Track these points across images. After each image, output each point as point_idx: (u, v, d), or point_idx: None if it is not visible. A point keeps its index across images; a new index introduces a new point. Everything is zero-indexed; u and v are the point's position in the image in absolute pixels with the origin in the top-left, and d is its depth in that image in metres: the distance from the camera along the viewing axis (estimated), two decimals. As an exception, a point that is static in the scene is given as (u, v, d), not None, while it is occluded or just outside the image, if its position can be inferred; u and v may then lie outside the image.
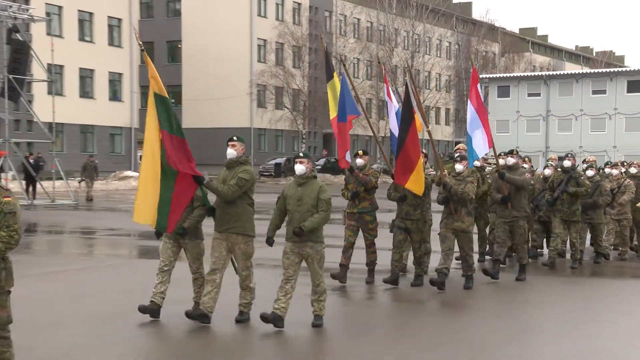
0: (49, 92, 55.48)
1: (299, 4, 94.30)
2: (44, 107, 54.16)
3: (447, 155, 25.45)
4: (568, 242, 21.07)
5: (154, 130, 12.28)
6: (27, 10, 45.38)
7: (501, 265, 18.11)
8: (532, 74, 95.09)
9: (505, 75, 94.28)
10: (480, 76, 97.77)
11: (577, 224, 19.42)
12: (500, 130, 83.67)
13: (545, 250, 21.28)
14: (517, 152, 17.93)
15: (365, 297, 16.58)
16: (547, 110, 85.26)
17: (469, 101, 18.99)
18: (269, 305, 12.41)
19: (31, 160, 44.07)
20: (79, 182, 46.43)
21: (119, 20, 77.12)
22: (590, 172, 20.39)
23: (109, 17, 76.02)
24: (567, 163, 19.45)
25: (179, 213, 12.30)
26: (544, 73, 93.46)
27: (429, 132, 17.45)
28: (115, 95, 77.84)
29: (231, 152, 12.25)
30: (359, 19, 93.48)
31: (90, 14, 74.65)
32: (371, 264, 16.85)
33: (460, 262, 16.87)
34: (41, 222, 36.01)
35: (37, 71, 48.22)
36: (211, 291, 12.22)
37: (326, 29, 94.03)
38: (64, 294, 16.85)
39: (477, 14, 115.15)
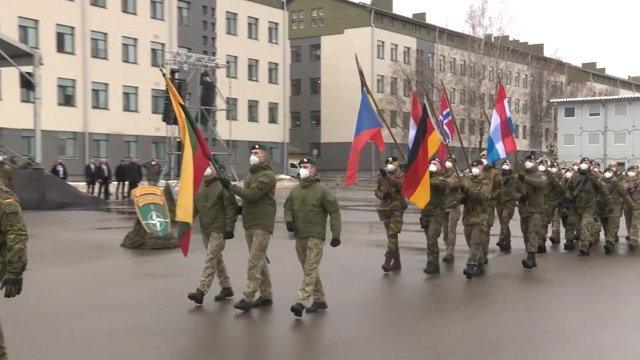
0: (227, 118, 57.45)
1: (409, 48, 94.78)
2: (224, 129, 56.09)
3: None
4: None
5: (187, 137, 11.15)
6: (214, 60, 46.88)
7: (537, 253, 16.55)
8: (593, 98, 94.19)
9: (570, 99, 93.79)
10: (551, 100, 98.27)
11: (589, 217, 17.91)
12: (567, 142, 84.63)
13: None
14: (534, 157, 17.06)
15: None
16: (605, 127, 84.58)
17: (494, 111, 17.77)
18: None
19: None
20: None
21: (276, 64, 78.77)
22: (608, 174, 19.55)
23: (269, 62, 77.69)
24: (584, 166, 18.21)
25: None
26: (602, 98, 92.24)
27: (446, 145, 16.23)
28: (272, 119, 79.33)
29: (254, 159, 11.24)
30: (454, 58, 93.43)
31: (257, 60, 76.42)
32: (390, 252, 15.34)
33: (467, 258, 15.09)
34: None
35: (219, 103, 49.58)
36: (264, 281, 11.49)
37: (429, 67, 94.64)
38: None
39: (548, 52, 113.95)
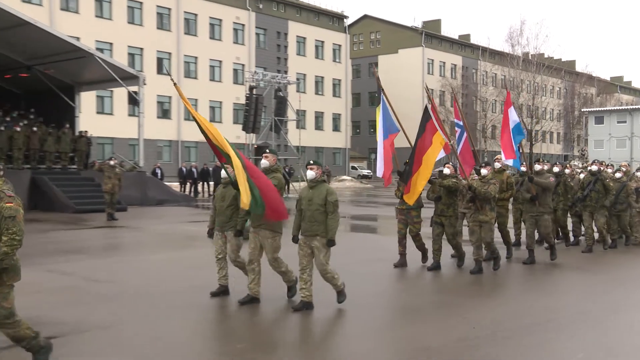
0: (297, 127, 58.09)
1: (455, 65, 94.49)
2: (294, 136, 56.53)
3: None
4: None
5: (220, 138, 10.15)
6: (286, 77, 47.13)
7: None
8: (620, 107, 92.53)
9: (600, 109, 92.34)
10: (582, 110, 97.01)
11: (602, 217, 16.96)
12: (597, 147, 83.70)
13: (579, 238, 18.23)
14: (542, 160, 15.78)
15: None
16: (632, 133, 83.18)
17: (504, 121, 16.58)
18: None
19: (287, 169, 45.52)
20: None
21: (339, 80, 79.18)
22: (618, 175, 18.13)
23: (333, 79, 78.12)
24: (594, 168, 17.27)
25: (272, 199, 9.99)
26: (629, 107, 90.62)
27: (451, 146, 14.66)
28: (336, 128, 79.65)
29: (264, 162, 10.70)
30: (495, 74, 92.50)
31: (322, 77, 76.93)
32: (421, 248, 14.37)
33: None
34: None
35: (290, 114, 50.01)
36: (254, 279, 10.52)
37: (473, 81, 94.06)
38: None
39: (579, 67, 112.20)
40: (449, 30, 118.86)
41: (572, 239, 18.27)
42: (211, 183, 41.55)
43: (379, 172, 14.83)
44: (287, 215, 10.17)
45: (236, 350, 8.29)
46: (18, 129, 30.29)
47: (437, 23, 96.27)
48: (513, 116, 16.18)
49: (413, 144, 13.39)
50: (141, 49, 60.41)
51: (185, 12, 63.95)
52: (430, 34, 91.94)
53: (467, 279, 13.31)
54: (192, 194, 40.66)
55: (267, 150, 11.05)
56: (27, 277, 12.67)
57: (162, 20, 62.68)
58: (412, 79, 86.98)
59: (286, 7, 73.68)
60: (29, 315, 9.32)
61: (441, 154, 13.40)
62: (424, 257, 14.50)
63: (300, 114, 61.36)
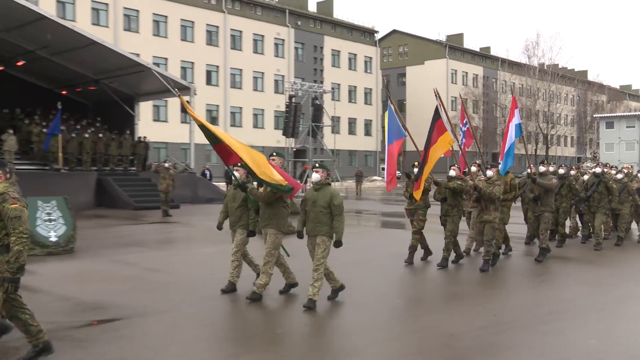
0: (332, 132, 58.23)
1: (477, 75, 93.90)
2: (329, 140, 56.82)
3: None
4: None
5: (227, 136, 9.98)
6: (322, 87, 47.24)
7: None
8: (629, 114, 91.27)
9: (610, 115, 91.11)
10: (594, 115, 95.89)
11: (602, 215, 16.19)
12: (608, 150, 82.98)
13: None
14: (547, 162, 15.19)
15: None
16: (639, 136, 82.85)
17: (510, 122, 15.62)
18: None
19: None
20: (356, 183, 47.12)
21: (370, 89, 79.22)
22: (619, 176, 17.39)
23: (365, 88, 78.16)
24: (597, 170, 16.79)
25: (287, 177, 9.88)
26: (637, 113, 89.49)
27: (460, 146, 14.38)
28: (368, 132, 79.70)
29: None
30: (514, 82, 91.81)
31: (355, 87, 77.06)
32: (412, 247, 13.65)
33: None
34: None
35: (326, 120, 50.22)
36: (284, 271, 10.51)
37: (493, 90, 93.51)
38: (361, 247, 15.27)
39: (591, 76, 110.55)
40: (471, 42, 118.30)
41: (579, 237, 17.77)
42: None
43: (385, 177, 14.22)
44: (300, 185, 10.32)
45: (276, 335, 8.47)
46: (86, 135, 30.92)
47: (459, 37, 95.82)
48: (517, 118, 15.50)
49: (424, 146, 12.77)
50: (192, 63, 61.09)
51: (231, 29, 64.49)
52: (453, 47, 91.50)
53: (481, 272, 12.83)
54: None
55: (274, 153, 10.61)
56: (96, 267, 13.11)
57: (211, 37, 63.26)
58: (437, 88, 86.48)
59: (322, 24, 73.93)
60: (99, 300, 9.96)
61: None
62: (410, 256, 13.64)
63: (335, 120, 61.48)
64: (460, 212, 13.51)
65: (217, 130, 9.97)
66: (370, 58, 79.73)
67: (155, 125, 54.62)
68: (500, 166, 14.33)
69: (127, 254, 15.24)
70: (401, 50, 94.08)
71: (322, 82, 61.87)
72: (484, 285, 11.84)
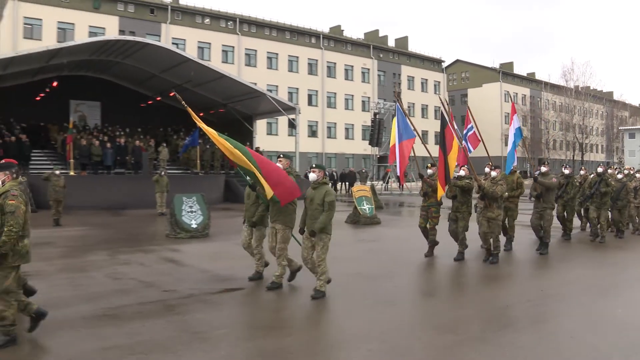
0: (421, 142, 57.49)
1: (525, 95, 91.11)
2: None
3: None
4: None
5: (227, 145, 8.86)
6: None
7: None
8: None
9: (632, 127, 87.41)
10: (619, 127, 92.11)
11: (604, 211, 14.72)
12: (630, 156, 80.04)
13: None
14: (547, 162, 13.50)
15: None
16: (660, 144, 78.87)
17: (510, 126, 14.67)
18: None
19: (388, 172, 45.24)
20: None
21: (439, 107, 77.85)
22: (619, 176, 16.01)
23: (434, 106, 76.92)
24: (599, 170, 15.25)
25: (282, 185, 8.70)
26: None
27: (465, 150, 12.77)
28: (437, 142, 78.32)
29: (279, 166, 9.17)
30: (555, 101, 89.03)
31: (427, 105, 76.08)
32: (431, 242, 12.26)
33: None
34: (397, 200, 35.40)
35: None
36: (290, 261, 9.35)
37: (538, 107, 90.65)
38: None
39: (616, 96, 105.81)
40: (520, 69, 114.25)
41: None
42: (346, 183, 42.10)
43: (398, 172, 12.71)
44: (299, 192, 8.91)
45: (365, 305, 8.38)
46: (217, 146, 31.72)
47: (510, 64, 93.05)
48: (516, 122, 14.52)
49: (439, 149, 11.55)
50: (297, 88, 61.62)
51: (327, 61, 64.72)
52: (505, 72, 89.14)
53: (515, 257, 12.21)
54: (333, 191, 40.92)
55: (281, 155, 9.55)
56: (226, 248, 13.32)
57: (311, 68, 63.64)
58: (493, 106, 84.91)
59: (399, 56, 73.29)
60: (228, 273, 10.10)
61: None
62: (430, 250, 12.30)
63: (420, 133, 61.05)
64: (470, 209, 12.01)
65: (216, 137, 8.93)
66: (439, 82, 78.47)
67: (269, 138, 55.35)
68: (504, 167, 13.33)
69: (249, 238, 15.47)
70: (463, 76, 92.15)
71: (394, 101, 61.29)
72: (520, 268, 11.44)
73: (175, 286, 9.12)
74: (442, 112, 11.93)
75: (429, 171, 12.27)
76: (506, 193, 12.32)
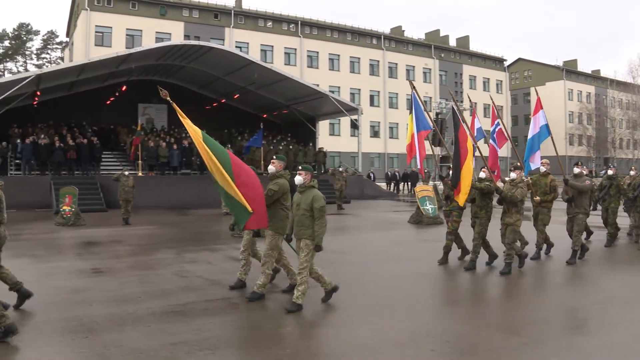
0: (484, 142, 56.59)
1: (589, 92, 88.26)
2: (467, 148, 55.37)
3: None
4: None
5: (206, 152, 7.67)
6: (462, 105, 46.27)
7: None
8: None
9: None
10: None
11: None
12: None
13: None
14: (581, 163, 11.93)
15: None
16: None
17: (532, 122, 13.24)
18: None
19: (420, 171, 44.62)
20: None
21: (502, 107, 76.33)
22: (631, 172, 14.10)
23: (497, 105, 75.40)
24: (610, 172, 14.02)
25: (254, 204, 7.67)
26: None
27: (478, 148, 11.22)
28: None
29: (271, 168, 8.36)
30: (621, 99, 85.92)
31: (488, 104, 74.43)
32: (446, 248, 11.09)
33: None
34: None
35: (464, 133, 48.91)
36: (288, 272, 8.74)
37: (604, 105, 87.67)
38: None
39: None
40: (584, 66, 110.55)
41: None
42: (409, 183, 41.73)
43: (416, 163, 10.67)
44: (266, 223, 7.91)
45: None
46: (281, 147, 31.99)
47: (574, 62, 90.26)
48: (542, 119, 13.15)
49: (454, 152, 10.45)
50: (359, 89, 61.64)
51: (388, 62, 64.48)
52: (569, 70, 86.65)
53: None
54: (395, 191, 40.64)
55: (274, 157, 8.63)
56: (285, 247, 13.56)
57: (373, 69, 63.51)
58: (556, 105, 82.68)
59: (461, 55, 72.27)
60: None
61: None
62: (445, 257, 11.20)
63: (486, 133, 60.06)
64: (489, 214, 10.80)
65: (199, 140, 7.84)
66: (501, 81, 76.94)
67: (331, 139, 55.53)
68: (525, 167, 12.15)
69: (312, 238, 15.49)
70: (526, 74, 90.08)
71: (461, 102, 60.47)
72: (569, 275, 10.49)
73: (240, 284, 9.15)
74: (452, 109, 10.74)
75: (451, 172, 10.96)
76: (537, 197, 11.47)
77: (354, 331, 6.73)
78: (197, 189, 26.33)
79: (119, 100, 33.55)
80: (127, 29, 49.61)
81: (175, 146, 28.89)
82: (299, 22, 58.36)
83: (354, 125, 35.00)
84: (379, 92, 63.56)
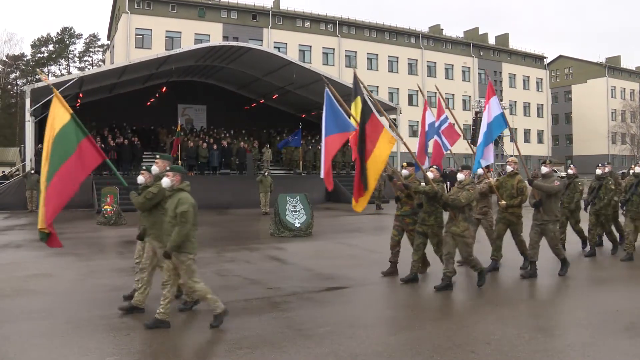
0: (510, 140, 55.72)
1: (633, 90, 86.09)
2: (508, 148, 54.68)
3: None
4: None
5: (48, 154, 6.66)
6: (501, 104, 45.71)
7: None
8: None
9: None
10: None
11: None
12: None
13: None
14: (550, 161, 10.17)
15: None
16: None
17: (485, 112, 11.13)
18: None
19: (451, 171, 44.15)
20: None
21: (542, 105, 75.14)
22: (632, 170, 12.33)
23: (537, 104, 74.14)
24: (598, 172, 12.45)
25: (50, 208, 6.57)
26: None
27: (404, 144, 9.57)
28: (540, 140, 75.68)
29: (154, 168, 7.53)
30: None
31: (529, 103, 73.47)
32: (412, 264, 9.44)
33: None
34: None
35: (506, 130, 48.41)
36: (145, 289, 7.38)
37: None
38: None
39: None
40: (628, 63, 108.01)
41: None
42: (447, 182, 41.26)
43: (321, 174, 8.79)
44: (60, 244, 6.87)
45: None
46: (319, 147, 32.03)
47: (617, 58, 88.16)
48: (495, 109, 11.00)
49: (357, 148, 8.52)
50: (397, 88, 61.26)
51: (427, 61, 63.97)
52: (612, 67, 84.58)
53: (613, 261, 10.97)
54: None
55: (157, 156, 7.82)
56: (328, 246, 13.37)
57: (411, 68, 63.11)
58: (599, 103, 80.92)
59: (500, 53, 71.20)
60: (330, 272, 10.17)
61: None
62: (393, 267, 10.04)
63: (513, 131, 59.16)
64: (439, 221, 9.30)
65: (52, 129, 6.81)
66: (541, 79, 75.56)
67: (369, 138, 55.35)
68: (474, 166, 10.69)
69: (350, 237, 15.52)
70: (567, 72, 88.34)
71: (501, 100, 59.69)
72: (585, 284, 9.77)
73: (279, 284, 9.20)
74: (364, 98, 8.91)
75: (405, 172, 9.65)
76: (503, 202, 10.17)
77: (400, 332, 6.74)
78: (237, 188, 26.53)
79: (159, 101, 34.00)
80: (166, 31, 50.31)
81: (215, 146, 29.16)
82: (337, 22, 58.33)
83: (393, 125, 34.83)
84: (417, 91, 63.08)
